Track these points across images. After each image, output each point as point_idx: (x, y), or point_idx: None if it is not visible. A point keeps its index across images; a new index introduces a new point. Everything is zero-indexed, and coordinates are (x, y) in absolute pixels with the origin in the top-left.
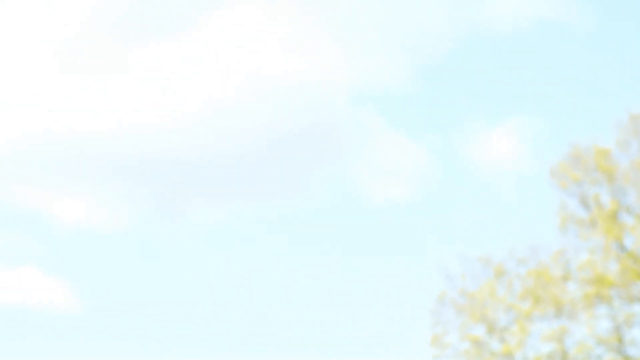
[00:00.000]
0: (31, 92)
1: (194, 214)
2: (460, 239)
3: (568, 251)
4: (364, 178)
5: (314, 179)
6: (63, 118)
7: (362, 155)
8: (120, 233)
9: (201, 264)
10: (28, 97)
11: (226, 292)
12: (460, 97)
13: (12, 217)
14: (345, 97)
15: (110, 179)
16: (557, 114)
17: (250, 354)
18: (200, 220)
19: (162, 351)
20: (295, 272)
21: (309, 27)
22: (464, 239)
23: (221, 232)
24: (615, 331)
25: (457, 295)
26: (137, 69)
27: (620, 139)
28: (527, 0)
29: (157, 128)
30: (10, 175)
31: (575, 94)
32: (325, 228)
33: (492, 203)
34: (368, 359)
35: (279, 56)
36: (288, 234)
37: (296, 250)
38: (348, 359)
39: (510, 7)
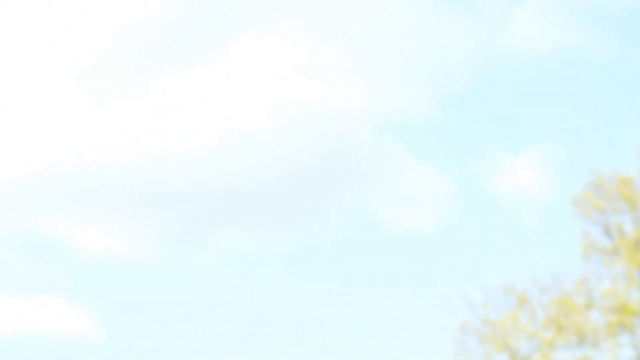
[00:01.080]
0: (54, 121)
1: (217, 244)
2: (482, 268)
3: (591, 279)
4: (386, 207)
5: (336, 208)
6: (86, 147)
7: (384, 184)
8: (143, 262)
9: (223, 294)
10: (51, 126)
11: (248, 321)
12: (483, 126)
13: (36, 246)
14: (368, 125)
15: (133, 208)
16: (579, 142)
17: None
18: (223, 249)
19: None
20: (318, 302)
21: (331, 56)
22: (487, 267)
23: (244, 262)
24: (638, 359)
25: (479, 324)
26: (160, 98)
27: None
28: (548, 28)
29: (180, 157)
30: (34, 204)
31: (597, 122)
32: (348, 257)
33: (514, 231)
34: None
35: (301, 85)
36: (310, 263)
37: (318, 280)
38: None
39: (532, 35)
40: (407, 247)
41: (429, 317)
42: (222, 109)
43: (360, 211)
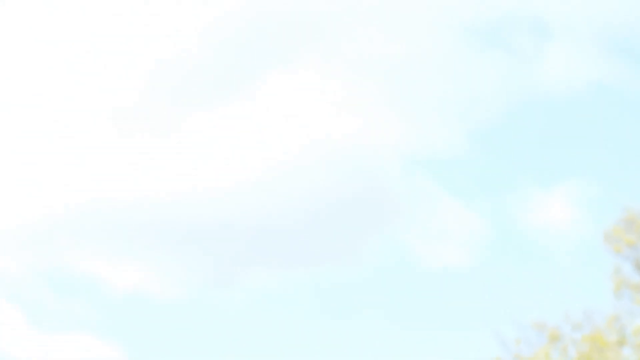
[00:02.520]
0: (87, 158)
1: (248, 281)
2: (514, 304)
3: (623, 316)
4: (417, 243)
5: (368, 245)
6: (118, 184)
7: (415, 221)
8: (173, 299)
9: (254, 331)
10: (84, 162)
11: (279, 359)
12: (514, 161)
13: (67, 282)
14: (400, 161)
15: (164, 245)
16: (611, 178)
17: None
18: (254, 286)
19: None
20: (350, 339)
21: (363, 92)
22: (518, 303)
23: (275, 299)
24: None
25: None
26: (193, 135)
27: None
28: (580, 63)
29: (212, 194)
30: (66, 240)
31: (628, 158)
32: (379, 294)
33: (546, 267)
34: None
35: (334, 120)
36: (342, 300)
37: (350, 317)
38: None
39: (563, 70)
40: (439, 283)
41: (461, 354)
42: (254, 146)
43: (391, 247)
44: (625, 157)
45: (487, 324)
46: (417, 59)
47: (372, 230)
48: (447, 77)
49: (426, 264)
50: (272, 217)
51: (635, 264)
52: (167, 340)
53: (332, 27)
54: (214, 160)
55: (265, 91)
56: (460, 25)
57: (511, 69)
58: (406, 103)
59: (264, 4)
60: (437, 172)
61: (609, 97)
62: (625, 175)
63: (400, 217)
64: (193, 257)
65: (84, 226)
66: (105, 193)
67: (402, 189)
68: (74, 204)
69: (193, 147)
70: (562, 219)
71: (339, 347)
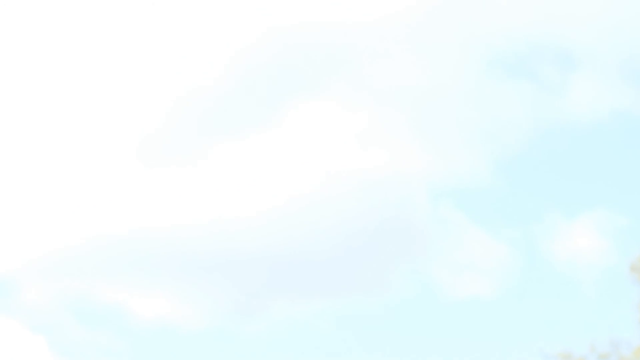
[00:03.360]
0: (112, 187)
1: (275, 311)
2: (540, 334)
3: None
4: (443, 273)
5: (393, 275)
6: (143, 213)
7: (441, 250)
8: (199, 329)
9: None
10: (109, 192)
11: None
12: (540, 191)
13: (93, 313)
14: (425, 191)
15: (189, 275)
16: (637, 207)
17: None
18: (279, 317)
19: None
20: None
21: (388, 122)
22: (545, 334)
23: (300, 329)
24: None
25: None
26: (217, 164)
27: None
28: (605, 93)
29: (236, 224)
30: (91, 270)
31: None
32: (405, 324)
33: (572, 297)
34: None
35: (358, 150)
36: (368, 331)
37: (376, 347)
38: None
39: (588, 99)
40: (464, 313)
41: None
42: (278, 176)
43: (417, 278)
44: None
45: (513, 354)
46: (442, 89)
47: (398, 260)
48: (472, 107)
49: (452, 294)
50: (297, 247)
51: None
52: None
53: (357, 57)
54: (240, 190)
55: (291, 121)
56: (485, 55)
57: (536, 98)
58: (432, 133)
59: (290, 35)
60: (462, 202)
61: (635, 126)
62: None
63: (426, 247)
64: (219, 286)
65: (109, 256)
66: (130, 223)
67: (427, 219)
68: (99, 234)
69: (218, 177)
70: (588, 249)
71: None
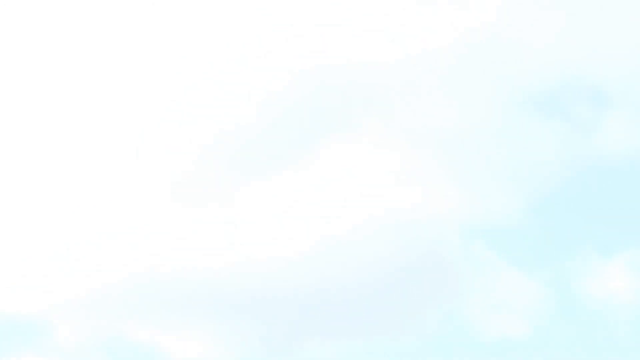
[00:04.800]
0: (143, 227)
1: (307, 351)
2: None
3: None
4: (476, 313)
5: (427, 315)
6: (175, 253)
7: (474, 290)
8: None
9: None
10: (140, 232)
11: None
12: (573, 229)
13: (126, 354)
14: (458, 231)
15: (222, 315)
16: None
17: None
18: (313, 357)
19: None
20: None
21: (420, 161)
22: None
23: None
24: None
25: None
26: (249, 205)
27: None
28: (639, 130)
29: (268, 264)
30: (124, 311)
31: None
32: None
33: (606, 337)
34: None
35: (390, 191)
36: None
37: None
38: None
39: (622, 137)
40: (498, 354)
41: None
42: (311, 216)
43: (450, 318)
44: None
45: None
46: (475, 128)
47: (430, 300)
48: (504, 146)
49: (484, 334)
50: (329, 286)
51: None
52: None
53: (388, 97)
54: (272, 230)
55: (322, 162)
56: (517, 94)
57: (569, 137)
58: (464, 172)
59: (320, 76)
60: (495, 242)
61: None
62: None
63: (458, 286)
64: (250, 327)
65: (142, 296)
66: (162, 263)
67: (460, 258)
68: (132, 274)
69: (250, 217)
70: (623, 288)
71: None
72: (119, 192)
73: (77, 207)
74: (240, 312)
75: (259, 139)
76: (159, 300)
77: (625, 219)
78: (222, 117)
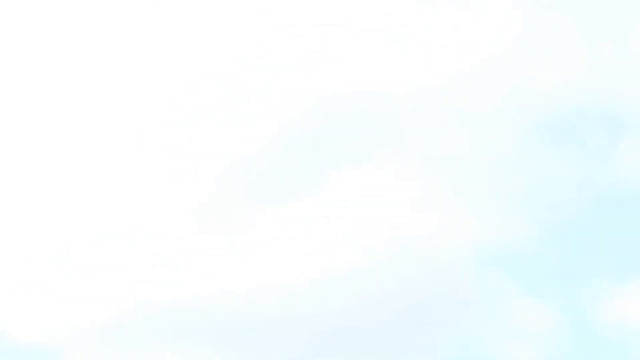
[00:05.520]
0: (159, 253)
1: None
2: None
3: None
4: (490, 340)
5: (441, 342)
6: (190, 281)
7: (489, 317)
8: None
9: None
10: (155, 258)
11: None
12: (588, 256)
13: None
14: (472, 257)
15: (236, 341)
16: None
17: None
18: None
19: None
20: None
21: (435, 188)
22: None
23: None
24: None
25: None
26: (265, 232)
27: None
28: None
29: (285, 291)
30: (138, 338)
31: None
32: None
33: None
34: None
35: (403, 217)
36: None
37: None
38: None
39: (636, 164)
40: None
41: None
42: (325, 242)
43: (465, 344)
44: None
45: None
46: (489, 154)
47: (444, 326)
48: (519, 173)
49: None
50: (343, 313)
51: None
52: None
53: (401, 124)
54: (287, 257)
55: (336, 189)
56: (532, 120)
57: (584, 163)
58: (478, 199)
59: (336, 103)
60: (510, 268)
61: None
62: None
63: (473, 313)
64: (266, 351)
65: (156, 322)
66: (174, 291)
67: (475, 285)
68: (148, 301)
69: (264, 244)
70: (637, 314)
71: None
72: (132, 217)
73: (93, 238)
74: (255, 337)
75: (274, 166)
76: (172, 327)
77: (639, 245)
78: (236, 144)
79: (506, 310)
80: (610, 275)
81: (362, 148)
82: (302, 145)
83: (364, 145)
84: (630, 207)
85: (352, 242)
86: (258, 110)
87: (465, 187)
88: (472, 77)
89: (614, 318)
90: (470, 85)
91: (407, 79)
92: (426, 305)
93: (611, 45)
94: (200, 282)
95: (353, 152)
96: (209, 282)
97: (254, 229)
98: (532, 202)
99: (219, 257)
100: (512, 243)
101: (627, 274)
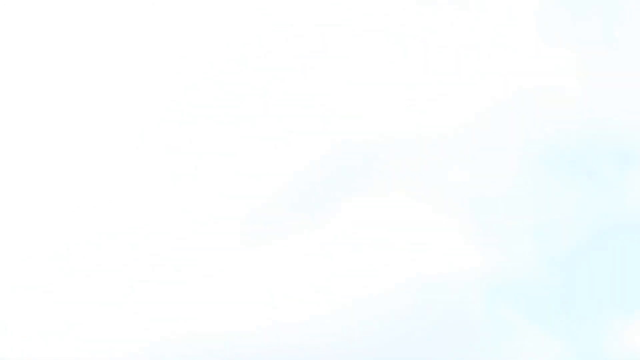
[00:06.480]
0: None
1: None
2: None
3: None
4: None
5: None
6: (198, 319)
7: (498, 348)
8: None
9: None
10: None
11: None
12: (597, 288)
13: None
14: (481, 289)
15: None
16: None
17: None
18: None
19: None
20: None
21: (443, 219)
22: None
23: None
24: None
25: None
26: (276, 260)
27: None
28: None
29: (293, 324)
30: None
31: None
32: None
33: None
34: None
35: (413, 249)
36: None
37: None
38: None
39: None
40: None
41: None
42: (334, 275)
43: None
44: None
45: None
46: (497, 186)
47: (454, 358)
48: (528, 204)
49: None
50: (351, 346)
51: None
52: None
53: (409, 158)
54: (295, 290)
55: (344, 221)
56: (542, 153)
57: (593, 195)
58: (487, 230)
59: (349, 146)
60: (519, 300)
61: None
62: None
63: (482, 344)
64: None
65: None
66: (178, 329)
67: (484, 316)
68: (169, 333)
69: (276, 275)
70: None
71: None
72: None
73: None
74: None
75: (283, 197)
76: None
77: None
78: (257, 189)
79: (515, 342)
80: (619, 307)
81: (370, 180)
82: (311, 174)
83: (372, 177)
84: (637, 239)
85: (357, 274)
86: (268, 151)
87: (474, 218)
88: (479, 111)
89: (624, 349)
90: (478, 118)
91: (417, 124)
92: (435, 337)
93: (622, 77)
94: (204, 321)
95: (361, 184)
96: (220, 320)
97: (262, 262)
98: (541, 233)
99: (227, 293)
100: (521, 274)
101: (635, 305)
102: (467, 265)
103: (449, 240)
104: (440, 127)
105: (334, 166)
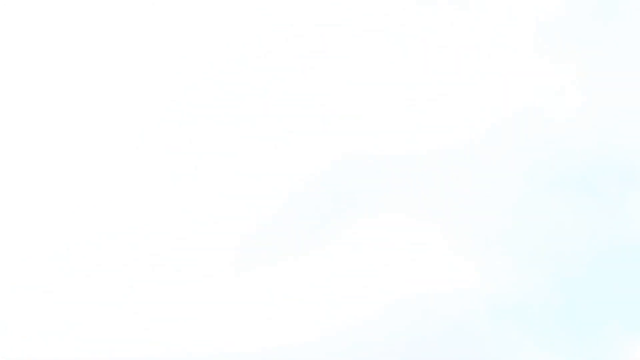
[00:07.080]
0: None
1: None
2: None
3: None
4: None
5: None
6: (202, 341)
7: None
8: None
9: None
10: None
11: None
12: (600, 307)
13: None
14: (482, 308)
15: None
16: None
17: None
18: None
19: None
20: None
21: (445, 237)
22: None
23: None
24: None
25: None
26: (275, 287)
27: None
28: None
29: (294, 347)
30: None
31: None
32: None
33: None
34: None
35: (414, 268)
36: None
37: None
38: None
39: None
40: None
41: None
42: (334, 295)
43: None
44: None
45: None
46: (500, 205)
47: None
48: (531, 224)
49: None
50: None
51: None
52: None
53: (408, 175)
54: (296, 312)
55: (342, 241)
56: (546, 174)
57: (596, 214)
58: (490, 249)
59: (357, 162)
60: (521, 319)
61: None
62: None
63: None
64: None
65: None
66: (179, 353)
67: (487, 336)
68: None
69: (279, 299)
70: None
71: None
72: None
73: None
74: None
75: (275, 223)
76: None
77: None
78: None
79: None
80: (623, 326)
81: (368, 199)
82: (312, 194)
83: (371, 196)
84: None
85: (360, 295)
86: (269, 168)
87: (476, 236)
88: (483, 131)
89: None
90: (482, 140)
91: (421, 141)
92: (436, 357)
93: (625, 96)
94: (208, 344)
95: (360, 204)
96: (220, 342)
97: (259, 286)
98: (544, 253)
99: (226, 316)
100: (523, 294)
101: (639, 325)
102: (469, 285)
103: (450, 260)
104: (440, 145)
105: (333, 185)
